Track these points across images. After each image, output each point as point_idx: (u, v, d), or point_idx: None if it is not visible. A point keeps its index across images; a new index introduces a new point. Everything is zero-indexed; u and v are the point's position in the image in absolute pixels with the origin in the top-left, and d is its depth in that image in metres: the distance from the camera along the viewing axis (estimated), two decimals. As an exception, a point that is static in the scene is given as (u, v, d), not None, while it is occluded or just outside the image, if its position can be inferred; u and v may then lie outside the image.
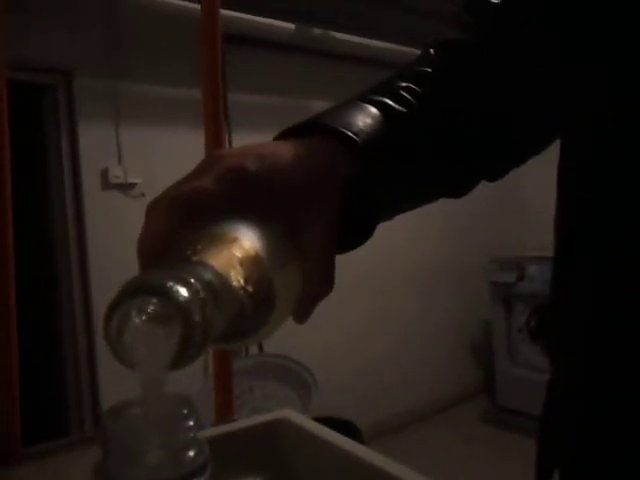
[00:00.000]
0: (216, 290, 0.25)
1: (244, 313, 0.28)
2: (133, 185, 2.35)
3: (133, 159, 2.34)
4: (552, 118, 0.48)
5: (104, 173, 2.32)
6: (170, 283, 0.23)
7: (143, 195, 2.33)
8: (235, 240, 0.29)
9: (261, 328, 0.31)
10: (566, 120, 0.46)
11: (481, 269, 3.40)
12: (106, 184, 2.32)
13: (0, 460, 0.53)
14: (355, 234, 0.40)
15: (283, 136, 0.38)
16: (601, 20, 0.40)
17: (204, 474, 0.21)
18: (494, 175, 0.50)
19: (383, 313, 3.21)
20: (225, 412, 0.93)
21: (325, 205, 0.34)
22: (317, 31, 2.83)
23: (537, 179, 2.31)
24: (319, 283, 0.34)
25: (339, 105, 0.40)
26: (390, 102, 0.40)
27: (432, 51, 0.46)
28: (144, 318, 0.23)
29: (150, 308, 0.23)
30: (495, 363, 3.36)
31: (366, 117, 0.38)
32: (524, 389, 3.01)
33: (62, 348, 2.37)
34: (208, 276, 0.25)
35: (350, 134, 0.36)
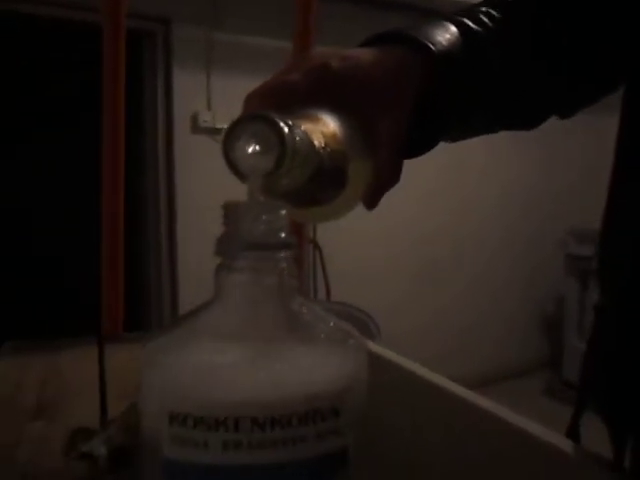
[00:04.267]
0: (304, 141, 0.32)
1: (320, 173, 0.33)
2: (220, 130, 2.46)
3: (221, 105, 2.44)
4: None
5: (194, 117, 2.45)
6: (277, 118, 0.30)
7: (228, 141, 2.44)
8: (319, 120, 0.35)
9: (331, 200, 0.36)
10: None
11: (555, 238, 3.30)
12: (195, 128, 2.45)
13: (109, 339, 0.63)
14: (419, 143, 0.43)
15: (365, 45, 0.42)
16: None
17: (293, 249, 0.29)
18: (565, 109, 0.50)
19: (446, 272, 3.20)
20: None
21: (399, 103, 0.38)
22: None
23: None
24: (388, 174, 0.39)
25: (419, 22, 0.43)
26: (469, 22, 0.43)
27: None
28: (253, 139, 0.30)
29: (259, 132, 0.30)
30: (564, 337, 3.29)
31: (445, 32, 0.41)
32: (592, 366, 2.92)
33: (147, 258, 2.58)
34: (299, 131, 0.32)
35: (427, 43, 0.39)
